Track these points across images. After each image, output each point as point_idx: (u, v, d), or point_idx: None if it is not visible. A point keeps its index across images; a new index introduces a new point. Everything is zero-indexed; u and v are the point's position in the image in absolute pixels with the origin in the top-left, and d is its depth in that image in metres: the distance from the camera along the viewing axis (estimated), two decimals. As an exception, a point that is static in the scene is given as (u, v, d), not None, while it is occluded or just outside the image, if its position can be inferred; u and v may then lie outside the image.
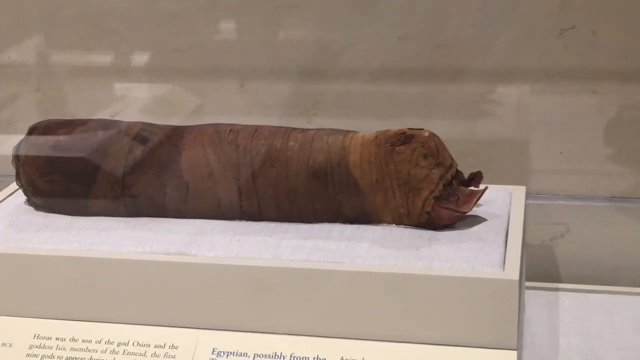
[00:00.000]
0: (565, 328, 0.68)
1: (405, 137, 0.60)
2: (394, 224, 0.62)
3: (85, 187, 0.65)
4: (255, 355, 0.57)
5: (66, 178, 0.66)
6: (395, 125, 0.62)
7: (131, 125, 0.67)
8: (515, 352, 0.54)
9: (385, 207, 0.62)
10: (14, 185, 0.71)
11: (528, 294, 0.70)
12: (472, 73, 0.74)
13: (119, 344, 0.59)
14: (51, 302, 0.61)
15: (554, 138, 0.74)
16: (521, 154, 0.75)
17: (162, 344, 0.58)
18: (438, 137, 0.61)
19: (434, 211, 0.60)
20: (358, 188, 0.61)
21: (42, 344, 0.60)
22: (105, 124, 0.67)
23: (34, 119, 0.69)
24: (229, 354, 0.57)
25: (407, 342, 0.56)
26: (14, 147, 0.67)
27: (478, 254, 0.57)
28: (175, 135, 0.66)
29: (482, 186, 0.62)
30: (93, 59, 0.81)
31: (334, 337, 0.57)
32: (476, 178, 0.63)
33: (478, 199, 0.61)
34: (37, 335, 0.60)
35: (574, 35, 0.71)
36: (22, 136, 0.68)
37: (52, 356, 0.59)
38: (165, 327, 0.59)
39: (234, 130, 0.65)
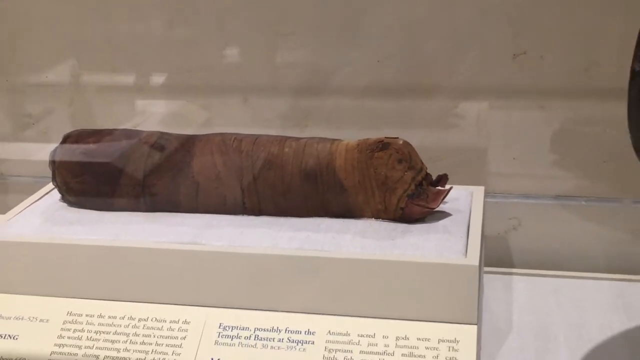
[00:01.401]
0: (519, 307, 0.70)
1: (383, 145, 0.62)
2: (373, 219, 0.64)
3: (111, 187, 0.67)
4: (256, 329, 0.59)
5: (95, 179, 0.68)
6: (375, 135, 0.64)
7: (150, 134, 0.68)
8: (475, 327, 0.57)
9: (366, 204, 0.64)
10: (50, 185, 0.73)
11: (487, 278, 0.72)
12: (440, 91, 0.76)
13: (139, 320, 0.61)
14: (82, 284, 0.63)
15: (509, 146, 0.76)
16: (481, 159, 0.77)
17: (177, 320, 0.61)
18: (411, 144, 0.63)
19: (407, 207, 0.62)
20: (343, 188, 0.63)
21: (74, 320, 0.62)
22: (128, 134, 0.69)
23: (67, 129, 0.71)
24: (234, 328, 0.59)
25: (384, 318, 0.58)
26: (50, 153, 0.69)
27: (444, 243, 0.60)
28: (187, 143, 0.67)
29: (447, 186, 0.64)
30: (118, 79, 0.83)
31: (323, 314, 0.59)
32: (443, 179, 0.65)
33: (444, 197, 0.63)
34: (69, 312, 0.62)
35: (526, 59, 0.73)
36: (57, 144, 0.70)
37: (83, 330, 0.61)
38: (179, 306, 0.61)
39: (237, 138, 0.66)
